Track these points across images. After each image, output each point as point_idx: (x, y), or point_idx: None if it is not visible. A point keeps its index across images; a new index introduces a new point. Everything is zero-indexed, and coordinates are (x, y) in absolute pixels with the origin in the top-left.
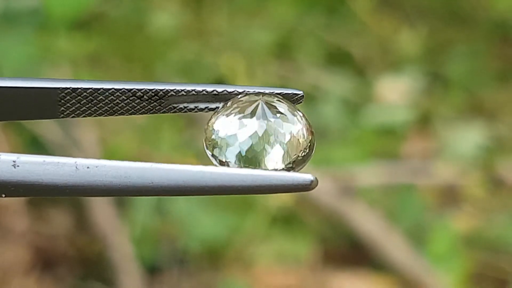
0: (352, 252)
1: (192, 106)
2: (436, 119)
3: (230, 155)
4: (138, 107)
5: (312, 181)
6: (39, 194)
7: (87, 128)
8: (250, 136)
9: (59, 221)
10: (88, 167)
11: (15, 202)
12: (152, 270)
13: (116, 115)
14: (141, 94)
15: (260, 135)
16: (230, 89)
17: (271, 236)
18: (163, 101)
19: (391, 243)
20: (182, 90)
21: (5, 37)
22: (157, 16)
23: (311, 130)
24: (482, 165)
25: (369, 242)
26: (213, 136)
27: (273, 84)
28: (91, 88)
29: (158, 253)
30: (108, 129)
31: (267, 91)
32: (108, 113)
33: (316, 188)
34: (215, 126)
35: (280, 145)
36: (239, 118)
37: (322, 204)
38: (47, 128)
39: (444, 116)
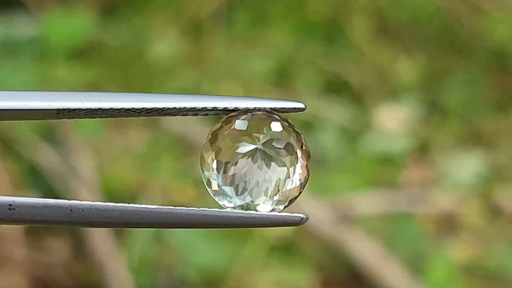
0: (351, 280)
1: (190, 113)
2: (434, 147)
3: (225, 203)
4: (136, 115)
5: (302, 219)
6: (34, 225)
7: (85, 156)
8: (242, 204)
9: (57, 249)
10: (82, 210)
11: (13, 231)
12: None
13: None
14: (140, 111)
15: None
16: (230, 105)
17: (269, 265)
18: (161, 113)
19: (389, 271)
20: (183, 109)
21: (5, 65)
22: (155, 45)
23: (308, 167)
24: (480, 194)
25: (367, 270)
26: (208, 178)
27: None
28: (89, 109)
29: (156, 282)
30: (106, 157)
31: (268, 107)
32: (106, 117)
33: (315, 216)
34: (209, 171)
35: (274, 199)
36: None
37: (320, 232)
38: (45, 156)
39: (442, 145)
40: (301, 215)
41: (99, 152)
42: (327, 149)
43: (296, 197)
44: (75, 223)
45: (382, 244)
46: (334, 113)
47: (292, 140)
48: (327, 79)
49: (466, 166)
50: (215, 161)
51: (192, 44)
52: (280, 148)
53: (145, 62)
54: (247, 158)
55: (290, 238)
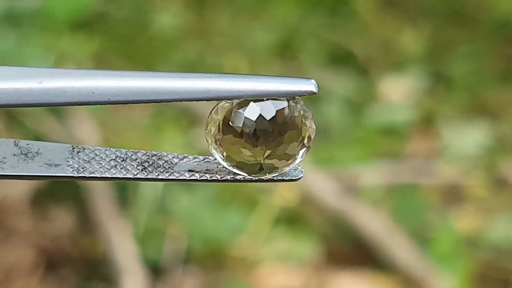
0: (356, 252)
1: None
2: (439, 119)
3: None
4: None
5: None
6: None
7: (90, 128)
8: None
9: (62, 221)
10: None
11: (19, 202)
12: (155, 270)
13: None
14: (147, 102)
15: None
16: (234, 87)
17: (274, 236)
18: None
19: (394, 243)
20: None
21: (8, 37)
22: (159, 17)
23: (307, 150)
24: (485, 165)
25: (372, 242)
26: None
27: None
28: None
29: (161, 253)
30: (111, 129)
31: (274, 93)
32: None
33: (320, 187)
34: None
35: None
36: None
37: (325, 204)
38: (50, 128)
39: (447, 116)
40: (299, 175)
41: (104, 124)
42: (332, 121)
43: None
44: None
45: (387, 215)
46: (339, 85)
47: (296, 137)
48: (331, 50)
49: (471, 137)
50: (221, 154)
51: (195, 16)
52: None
53: (148, 34)
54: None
55: (295, 210)
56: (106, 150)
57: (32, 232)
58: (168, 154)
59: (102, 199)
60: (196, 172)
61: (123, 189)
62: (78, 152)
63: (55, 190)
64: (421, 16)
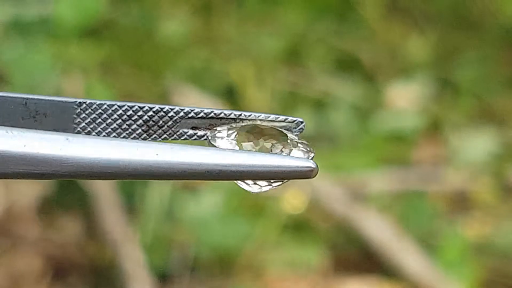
0: (363, 259)
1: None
2: (446, 125)
3: None
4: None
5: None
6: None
7: None
8: None
9: (70, 229)
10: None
11: (26, 210)
12: (163, 277)
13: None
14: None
15: None
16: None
17: (282, 243)
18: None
19: (402, 249)
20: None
21: (17, 45)
22: (166, 24)
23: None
24: (492, 171)
25: (379, 249)
26: None
27: (283, 90)
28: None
29: (169, 261)
30: None
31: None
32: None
33: (327, 194)
34: None
35: None
36: None
37: (333, 211)
38: None
39: (454, 123)
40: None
41: None
42: (339, 127)
43: None
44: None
45: (394, 222)
46: (346, 91)
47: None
48: (338, 57)
49: (478, 144)
50: None
51: (202, 23)
52: None
53: (156, 41)
54: None
55: (302, 217)
56: (112, 105)
57: (39, 240)
58: (175, 108)
59: (109, 207)
60: (199, 129)
61: (131, 196)
62: (85, 110)
63: (63, 197)
64: (428, 23)
